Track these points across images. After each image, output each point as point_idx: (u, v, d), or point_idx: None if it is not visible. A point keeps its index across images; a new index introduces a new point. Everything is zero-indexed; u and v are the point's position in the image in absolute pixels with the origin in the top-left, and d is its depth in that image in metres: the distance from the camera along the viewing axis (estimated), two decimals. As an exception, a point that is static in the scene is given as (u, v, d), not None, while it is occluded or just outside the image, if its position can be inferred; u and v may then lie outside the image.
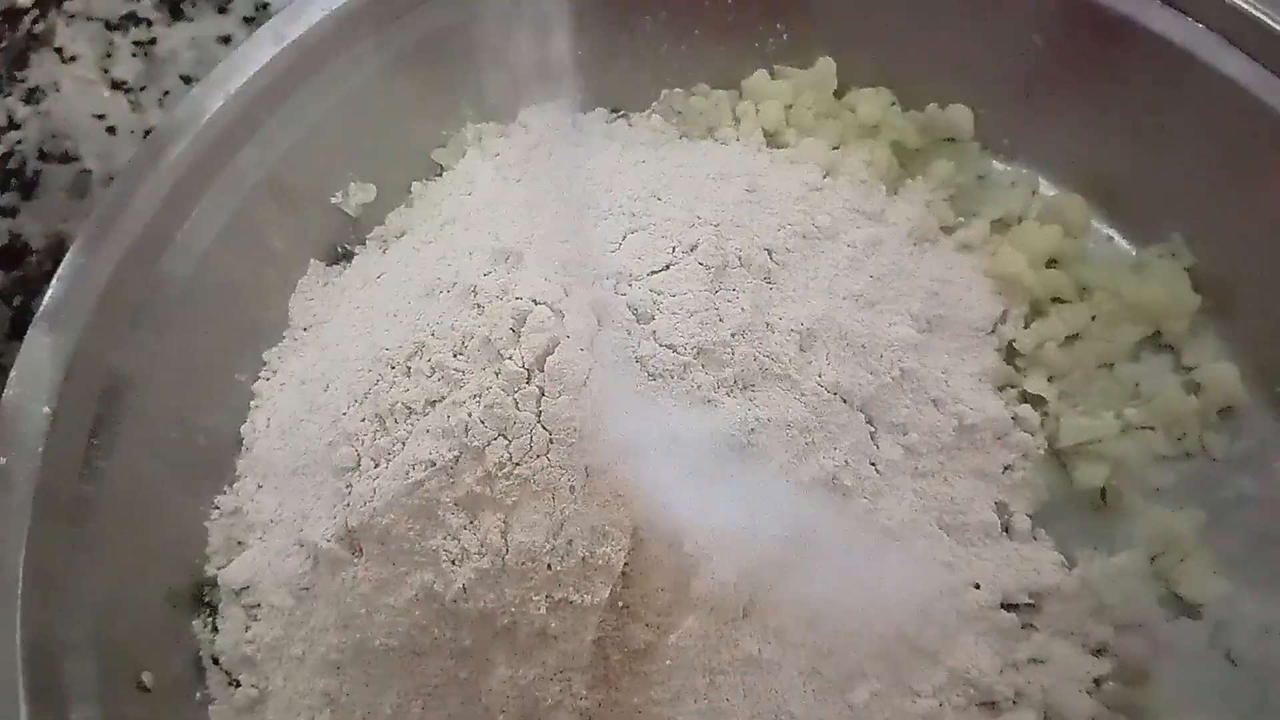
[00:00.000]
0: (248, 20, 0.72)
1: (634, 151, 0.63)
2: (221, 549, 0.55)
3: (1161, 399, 0.59)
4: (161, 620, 0.52)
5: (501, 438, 0.47)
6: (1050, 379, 0.60)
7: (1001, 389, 0.59)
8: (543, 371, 0.47)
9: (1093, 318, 0.61)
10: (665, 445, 0.47)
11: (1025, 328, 0.61)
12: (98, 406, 0.51)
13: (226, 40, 0.71)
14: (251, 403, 0.58)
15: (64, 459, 0.50)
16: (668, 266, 0.51)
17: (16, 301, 0.65)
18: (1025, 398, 0.59)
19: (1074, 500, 0.58)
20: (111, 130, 0.69)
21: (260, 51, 0.56)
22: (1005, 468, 0.57)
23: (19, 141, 0.69)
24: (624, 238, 0.53)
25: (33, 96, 0.71)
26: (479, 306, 0.51)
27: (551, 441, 0.46)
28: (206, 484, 0.56)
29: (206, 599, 0.54)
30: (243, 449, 0.57)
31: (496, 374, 0.48)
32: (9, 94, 0.70)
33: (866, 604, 0.50)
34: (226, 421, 0.57)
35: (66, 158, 0.69)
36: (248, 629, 0.52)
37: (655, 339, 0.48)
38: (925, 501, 0.54)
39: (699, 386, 0.48)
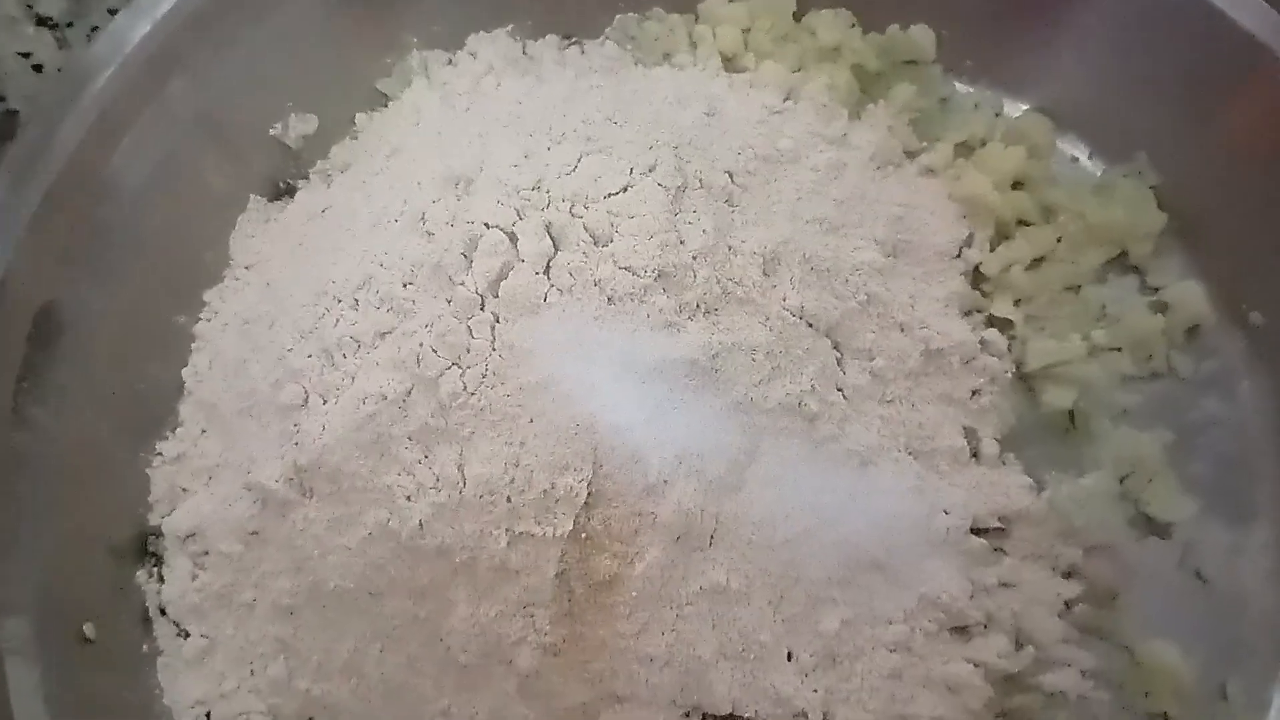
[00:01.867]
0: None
1: (588, 78, 0.61)
2: (165, 497, 0.52)
3: (1128, 320, 0.58)
4: (105, 573, 0.50)
5: (455, 367, 0.45)
6: (1016, 302, 0.59)
7: (968, 313, 0.58)
8: (497, 297, 0.45)
9: (1058, 240, 0.60)
10: (626, 371, 0.45)
11: (991, 251, 0.60)
12: (27, 349, 0.49)
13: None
14: (192, 345, 0.55)
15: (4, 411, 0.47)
16: (625, 188, 0.49)
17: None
18: (992, 322, 0.58)
19: (1042, 424, 0.57)
20: (38, 69, 0.66)
21: (188, -25, 0.53)
22: (973, 392, 0.56)
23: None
24: (579, 160, 0.51)
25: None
26: (428, 234, 0.48)
27: (507, 369, 0.44)
28: (148, 430, 0.54)
29: (151, 549, 0.52)
30: (184, 393, 0.55)
31: (448, 301, 0.46)
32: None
33: (834, 530, 0.49)
34: (167, 366, 0.55)
35: (-10, 98, 0.65)
36: (195, 578, 0.50)
37: (614, 261, 0.46)
38: (893, 427, 0.53)
39: (660, 310, 0.46)
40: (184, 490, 0.53)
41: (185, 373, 0.55)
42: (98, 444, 0.52)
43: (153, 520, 0.52)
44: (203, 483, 0.52)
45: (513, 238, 0.46)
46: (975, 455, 0.55)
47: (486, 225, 0.47)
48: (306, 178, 0.59)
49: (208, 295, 0.56)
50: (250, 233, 0.57)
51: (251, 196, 0.58)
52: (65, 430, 0.50)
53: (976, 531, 0.52)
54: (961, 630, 0.51)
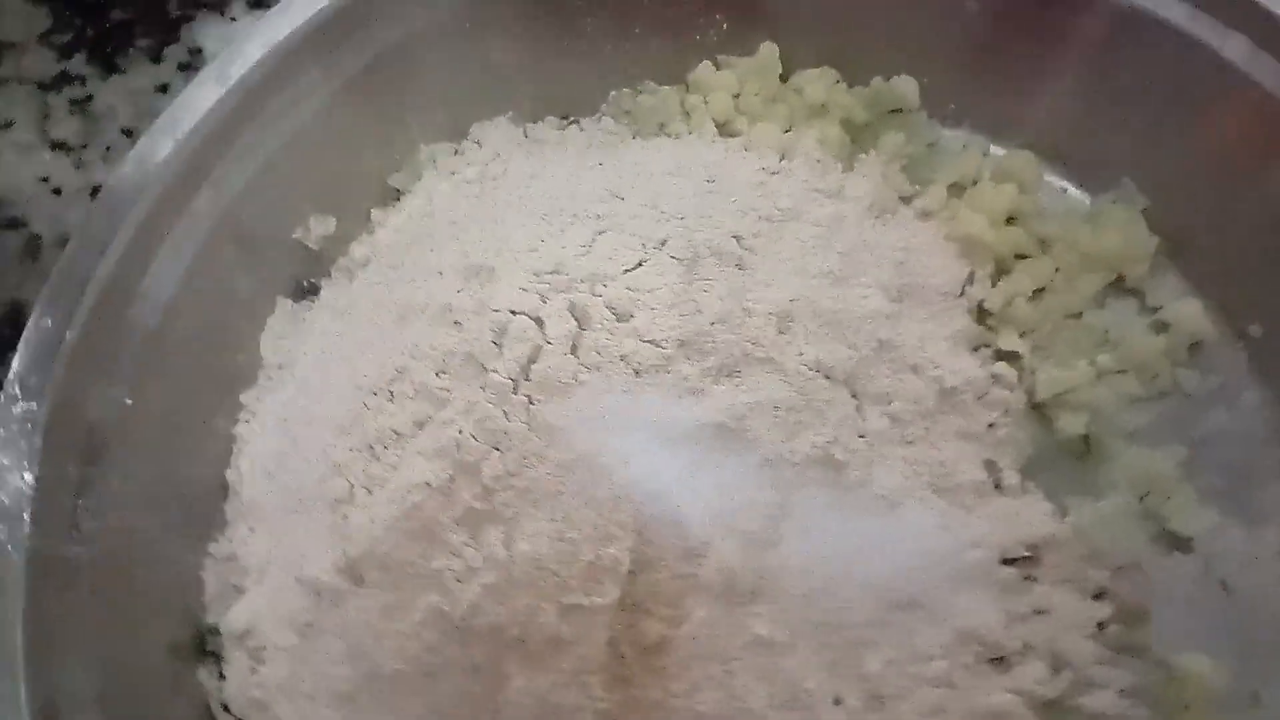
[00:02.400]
0: (183, 68, 0.71)
1: (589, 155, 0.63)
2: (219, 596, 0.54)
3: (1131, 342, 0.60)
4: (167, 673, 0.52)
5: (495, 451, 0.47)
6: (1022, 334, 0.61)
7: (976, 349, 0.60)
8: (529, 380, 0.47)
9: (1056, 270, 0.62)
10: (658, 439, 0.47)
11: (992, 286, 0.62)
12: (80, 467, 0.51)
13: (164, 89, 0.70)
14: (233, 447, 0.57)
15: (52, 524, 0.49)
16: (640, 264, 0.52)
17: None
18: (1000, 355, 0.60)
19: (1058, 450, 0.59)
20: (57, 192, 0.69)
21: (204, 94, 0.55)
22: (989, 425, 0.58)
23: (-36, 210, 0.68)
24: (593, 240, 0.53)
25: (-27, 164, 0.70)
26: (456, 324, 0.51)
27: (545, 449, 0.46)
28: (197, 533, 0.55)
29: (210, 648, 0.53)
30: (230, 494, 0.57)
31: (482, 388, 0.48)
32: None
33: (869, 574, 0.51)
34: (210, 469, 0.57)
35: (15, 224, 0.68)
36: (254, 672, 0.52)
37: (637, 335, 0.48)
38: (916, 468, 0.55)
39: (685, 378, 0.48)
40: (236, 588, 0.54)
41: (228, 474, 0.57)
42: (150, 549, 0.53)
43: (209, 619, 0.54)
44: (255, 580, 0.53)
45: (539, 322, 0.48)
46: (997, 487, 0.57)
47: (513, 312, 0.49)
48: (329, 275, 0.61)
49: (244, 397, 0.58)
50: (280, 334, 0.59)
51: (278, 298, 0.60)
52: (118, 539, 0.52)
53: (1006, 562, 0.54)
54: (999, 660, 0.52)
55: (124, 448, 0.53)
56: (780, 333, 0.53)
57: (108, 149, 0.69)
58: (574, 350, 0.48)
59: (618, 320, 0.49)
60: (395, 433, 0.49)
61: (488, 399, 0.47)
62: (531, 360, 0.48)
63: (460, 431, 0.47)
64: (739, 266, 0.54)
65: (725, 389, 0.50)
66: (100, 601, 0.50)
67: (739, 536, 0.48)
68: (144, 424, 0.54)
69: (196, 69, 0.70)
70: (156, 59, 0.71)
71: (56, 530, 0.49)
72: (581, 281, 0.50)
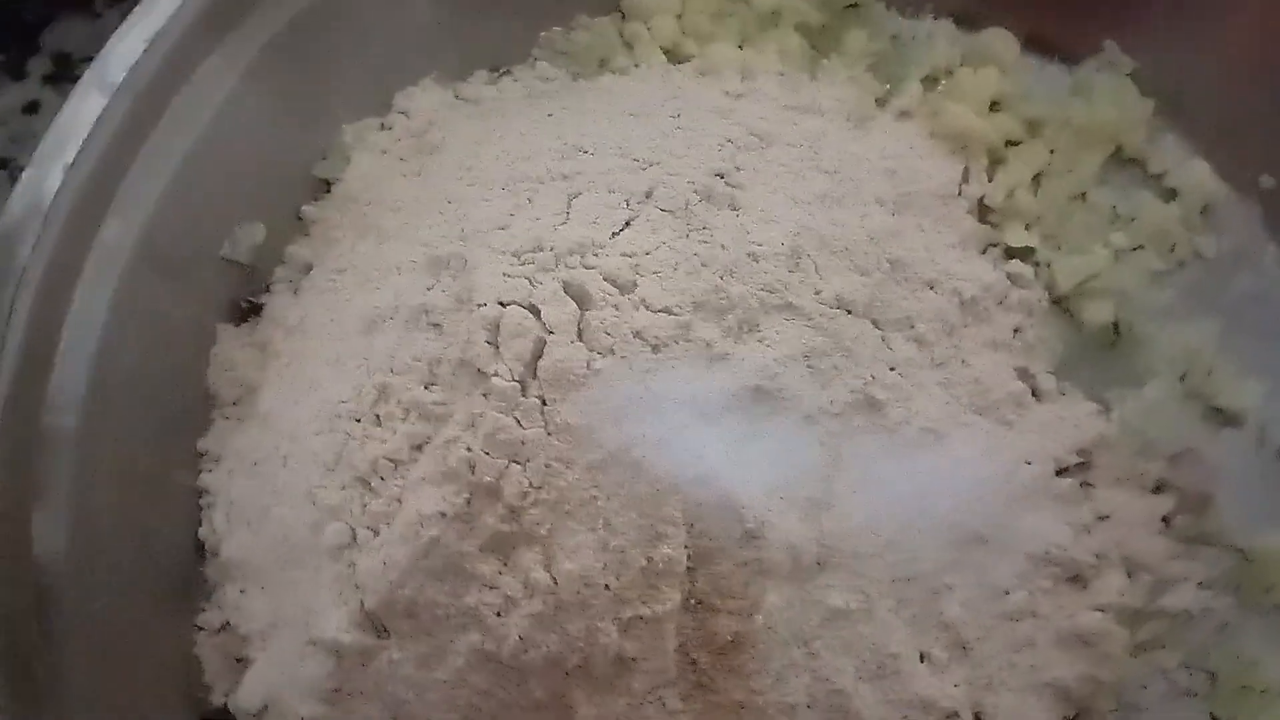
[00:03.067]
0: (49, 79, 0.62)
1: (534, 107, 0.57)
2: (223, 673, 0.48)
3: (1142, 215, 0.57)
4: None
5: (514, 464, 0.41)
6: (1028, 226, 0.57)
7: (985, 251, 0.56)
8: (536, 378, 0.42)
9: (1051, 152, 0.58)
10: (693, 417, 0.42)
11: (989, 181, 0.57)
12: (33, 565, 0.44)
13: (33, 109, 0.61)
14: (201, 501, 0.51)
15: (18, 640, 0.43)
16: (628, 223, 0.46)
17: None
18: (1011, 253, 0.56)
19: (1089, 343, 0.55)
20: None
21: (88, 107, 0.47)
22: (1015, 330, 0.54)
23: None
24: (568, 205, 0.47)
25: None
26: (435, 326, 0.44)
27: (570, 452, 0.41)
28: (181, 606, 0.49)
29: (224, 733, 0.48)
30: (208, 556, 0.50)
31: (485, 395, 0.42)
32: None
33: (931, 515, 0.47)
34: (181, 530, 0.50)
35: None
36: (283, 753, 0.46)
37: (646, 306, 0.43)
38: (952, 391, 0.51)
39: (709, 344, 0.43)
40: (239, 660, 0.48)
41: (202, 533, 0.50)
42: (129, 636, 0.47)
43: (215, 701, 0.48)
44: (259, 649, 0.47)
45: (534, 310, 0.42)
46: (1035, 394, 0.53)
47: (501, 304, 0.43)
48: (269, 290, 0.54)
49: (201, 444, 0.51)
50: (227, 365, 0.52)
51: (218, 326, 0.53)
52: (96, 633, 0.46)
53: (1059, 473, 0.51)
54: (1076, 579, 0.49)
55: (77, 532, 0.46)
56: (791, 271, 0.48)
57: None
58: (580, 336, 0.42)
59: (621, 292, 0.43)
60: (391, 461, 0.43)
61: (494, 407, 0.41)
62: (536, 355, 0.42)
63: (469, 449, 0.41)
64: (732, 207, 0.49)
65: (751, 347, 0.44)
66: (91, 710, 0.44)
67: (796, 506, 0.43)
68: (95, 498, 0.47)
69: (69, 79, 0.62)
70: (19, 75, 0.62)
71: (24, 645, 0.42)
72: (569, 255, 0.44)
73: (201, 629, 0.49)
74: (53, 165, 0.47)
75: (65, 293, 0.47)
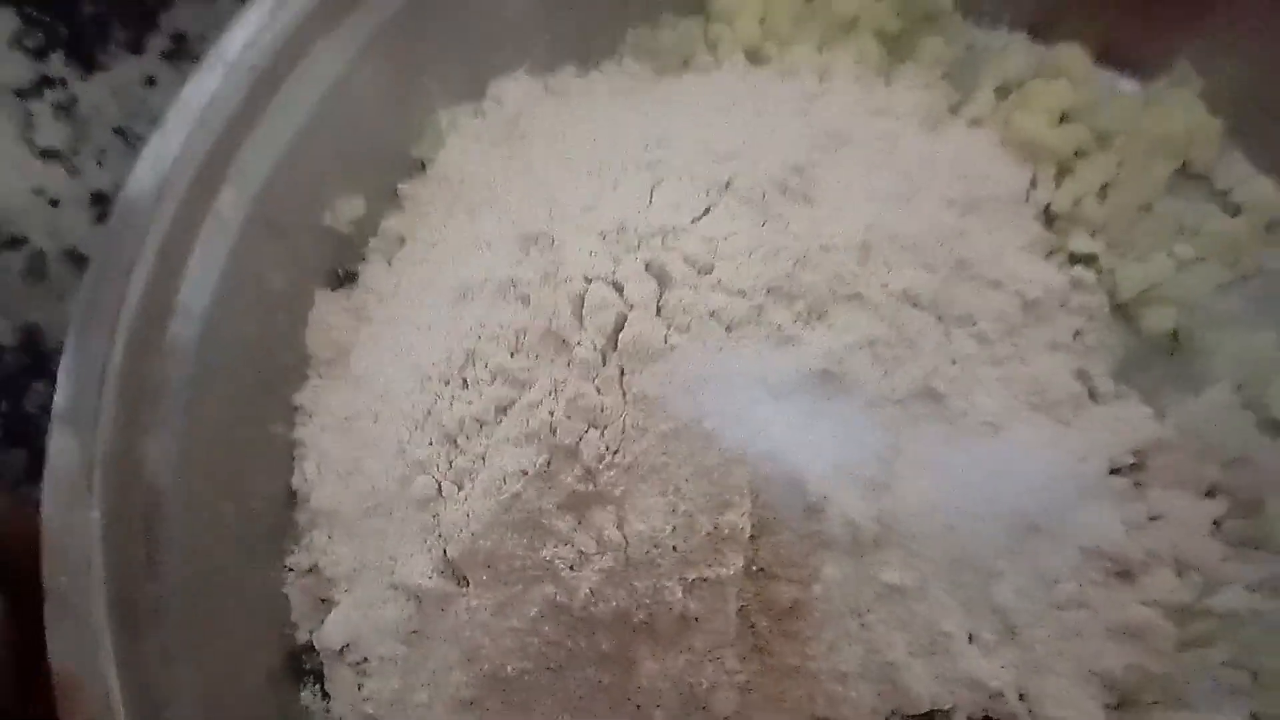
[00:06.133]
0: (167, 56, 0.66)
1: (619, 101, 0.60)
2: (309, 612, 0.51)
3: (1207, 227, 0.58)
4: (270, 701, 0.49)
5: (593, 429, 0.44)
6: (1093, 234, 0.58)
7: (1050, 255, 0.58)
8: (616, 350, 0.44)
9: (1119, 164, 0.59)
10: (761, 396, 0.44)
11: (1057, 188, 0.59)
12: (142, 499, 0.47)
13: (151, 82, 0.66)
14: (295, 453, 0.54)
15: (124, 565, 0.46)
16: (708, 210, 0.48)
17: (2, 405, 0.60)
18: (1075, 259, 0.58)
19: (1148, 349, 0.56)
20: (54, 203, 0.64)
21: (212, 84, 0.51)
22: (1076, 333, 0.56)
23: (-43, 234, 0.64)
24: (651, 191, 0.49)
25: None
26: (523, 299, 0.47)
27: (645, 420, 0.44)
28: (272, 548, 0.53)
29: (308, 667, 0.51)
30: (299, 502, 0.54)
31: (568, 364, 0.44)
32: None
33: (986, 503, 0.49)
34: (274, 478, 0.54)
35: (15, 242, 0.63)
36: (361, 688, 0.49)
37: (722, 288, 0.45)
38: (1011, 387, 0.52)
39: (779, 326, 0.46)
40: (324, 601, 0.52)
41: (295, 481, 0.54)
42: (227, 573, 0.51)
43: (301, 638, 0.51)
44: (344, 591, 0.51)
45: (618, 287, 0.45)
46: (1093, 395, 0.55)
47: (586, 279, 0.45)
48: (364, 260, 0.58)
49: (297, 399, 0.55)
50: (324, 327, 0.56)
51: (316, 290, 0.56)
52: (194, 569, 0.49)
53: (1114, 471, 0.52)
54: (1126, 574, 0.51)
55: (184, 471, 0.49)
56: (861, 264, 0.50)
57: (102, 152, 0.64)
58: (659, 312, 0.45)
59: (699, 274, 0.46)
60: (477, 421, 0.46)
61: (576, 375, 0.44)
62: (617, 329, 0.45)
63: (551, 413, 0.44)
64: (807, 200, 0.51)
65: (819, 333, 0.47)
66: (187, 639, 0.47)
67: (857, 484, 0.45)
68: (200, 443, 0.50)
69: (183, 57, 0.66)
70: (138, 50, 0.66)
71: (131, 572, 0.46)
72: (652, 237, 0.47)
73: (291, 570, 0.52)
74: (176, 136, 0.51)
75: (183, 253, 0.50)
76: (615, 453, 0.44)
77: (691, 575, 0.43)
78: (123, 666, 0.44)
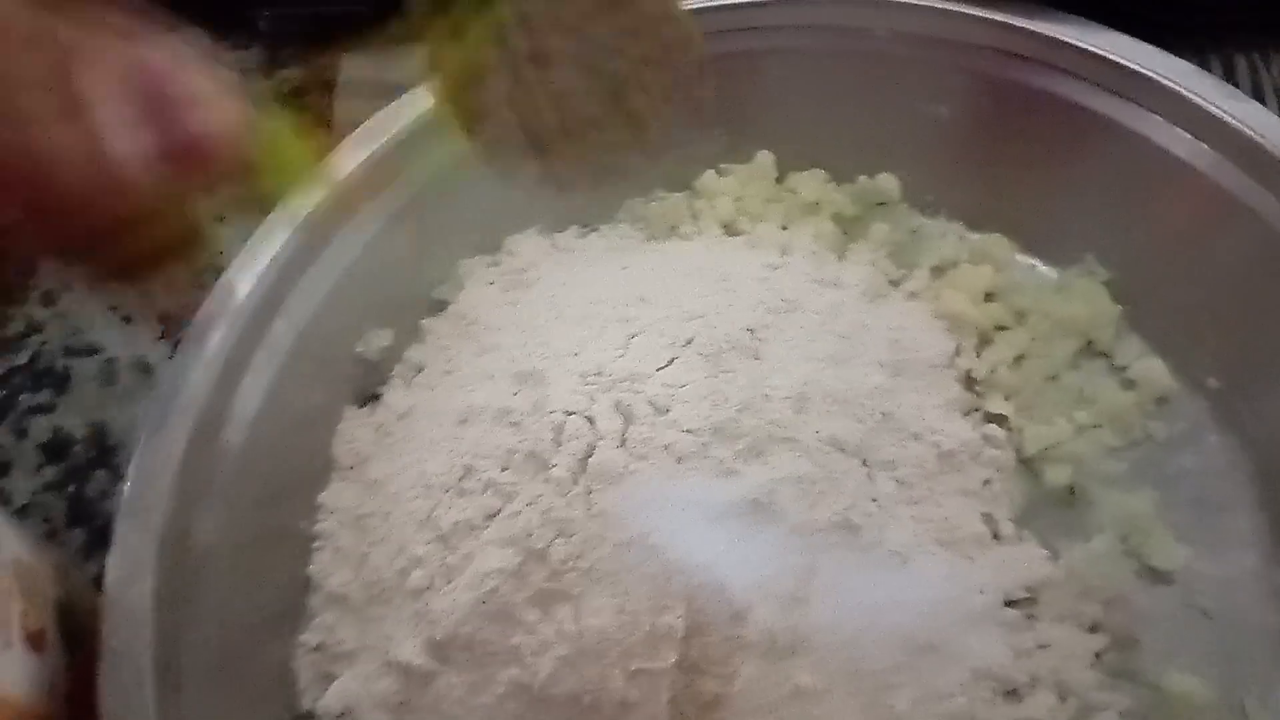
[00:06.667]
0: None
1: (612, 259, 0.71)
2: (313, 683, 0.60)
3: (1104, 399, 0.68)
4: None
5: (561, 537, 0.53)
6: (1006, 397, 0.68)
7: (968, 414, 0.68)
8: (585, 473, 0.54)
9: (1032, 339, 0.70)
10: (701, 517, 0.54)
11: (977, 356, 0.70)
12: (188, 576, 0.57)
13: (219, 219, 0.77)
14: (314, 544, 0.64)
15: (169, 631, 0.55)
16: (671, 361, 0.59)
17: (70, 489, 0.71)
18: (989, 418, 0.68)
19: (1046, 499, 0.66)
20: (127, 319, 0.76)
21: (276, 234, 0.63)
22: (984, 482, 0.65)
23: (44, 342, 0.75)
24: (628, 343, 0.60)
25: (48, 299, 0.77)
26: (514, 424, 0.58)
27: (604, 532, 0.53)
28: (288, 625, 0.62)
29: (310, 730, 0.60)
30: (313, 588, 0.63)
31: (545, 481, 0.54)
32: (26, 301, 0.76)
33: (889, 623, 0.57)
34: (294, 565, 0.63)
35: (90, 350, 0.75)
36: (354, 749, 0.58)
37: (676, 427, 0.56)
38: (923, 525, 0.62)
39: (720, 461, 0.55)
40: (327, 675, 0.60)
41: (312, 570, 0.63)
42: (249, 643, 0.60)
43: (304, 705, 0.60)
44: (346, 665, 0.60)
45: (590, 420, 0.56)
46: (995, 536, 0.64)
47: (567, 413, 0.56)
48: (388, 382, 0.69)
49: (320, 498, 0.65)
50: (349, 439, 0.66)
51: (345, 407, 0.67)
52: (222, 637, 0.58)
53: (1009, 604, 0.61)
54: (1012, 693, 0.59)
55: (221, 555, 0.59)
56: (796, 413, 0.60)
57: (169, 282, 0.76)
58: (623, 444, 0.55)
59: (657, 414, 0.56)
60: (468, 525, 0.56)
61: (551, 491, 0.54)
62: (587, 455, 0.55)
63: (529, 521, 0.54)
64: (755, 357, 0.62)
65: (755, 468, 0.56)
66: (214, 698, 0.56)
67: (776, 599, 0.54)
68: (236, 531, 0.60)
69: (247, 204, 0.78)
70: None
71: (173, 636, 0.55)
72: (623, 381, 0.57)
73: (301, 645, 0.61)
74: (244, 275, 0.62)
75: (239, 373, 0.61)
76: (578, 558, 0.53)
77: (632, 666, 0.52)
78: (158, 712, 0.53)
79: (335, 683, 0.60)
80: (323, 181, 0.61)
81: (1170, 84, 0.65)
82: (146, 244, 0.41)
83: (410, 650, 0.56)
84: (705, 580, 0.53)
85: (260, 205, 0.61)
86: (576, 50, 0.50)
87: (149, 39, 0.38)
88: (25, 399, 0.74)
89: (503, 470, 0.57)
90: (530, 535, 0.54)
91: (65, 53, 0.36)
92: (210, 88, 0.38)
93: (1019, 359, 0.70)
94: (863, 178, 0.74)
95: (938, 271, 0.73)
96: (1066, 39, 0.68)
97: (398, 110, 0.68)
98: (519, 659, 0.53)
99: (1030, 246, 0.74)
